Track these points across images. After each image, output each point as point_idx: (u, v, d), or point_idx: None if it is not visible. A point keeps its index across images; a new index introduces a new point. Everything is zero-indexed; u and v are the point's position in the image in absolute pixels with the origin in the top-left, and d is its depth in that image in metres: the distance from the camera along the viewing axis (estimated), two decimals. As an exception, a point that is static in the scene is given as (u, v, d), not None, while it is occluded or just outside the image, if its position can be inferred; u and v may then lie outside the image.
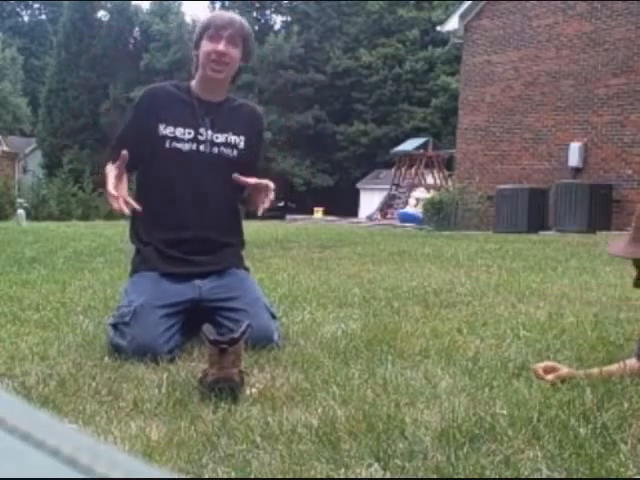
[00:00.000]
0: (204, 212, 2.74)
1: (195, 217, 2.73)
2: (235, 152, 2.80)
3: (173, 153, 2.73)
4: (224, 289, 2.68)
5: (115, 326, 2.52)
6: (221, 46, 2.68)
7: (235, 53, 2.72)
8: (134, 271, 2.76)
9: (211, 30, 2.71)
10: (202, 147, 2.75)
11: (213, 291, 2.67)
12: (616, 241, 2.32)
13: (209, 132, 2.76)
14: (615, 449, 1.55)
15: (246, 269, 2.90)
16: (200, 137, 2.75)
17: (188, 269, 2.69)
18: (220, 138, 2.78)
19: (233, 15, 2.91)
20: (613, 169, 12.19)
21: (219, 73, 2.73)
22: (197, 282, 2.68)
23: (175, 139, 2.74)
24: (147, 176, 2.81)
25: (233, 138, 2.80)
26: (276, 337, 2.60)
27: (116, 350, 2.45)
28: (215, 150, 2.77)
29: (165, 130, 2.73)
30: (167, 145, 2.73)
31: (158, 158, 2.74)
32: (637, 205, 1.93)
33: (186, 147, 2.74)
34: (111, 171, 2.49)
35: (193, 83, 2.82)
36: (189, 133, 2.74)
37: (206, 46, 2.71)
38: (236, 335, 2.02)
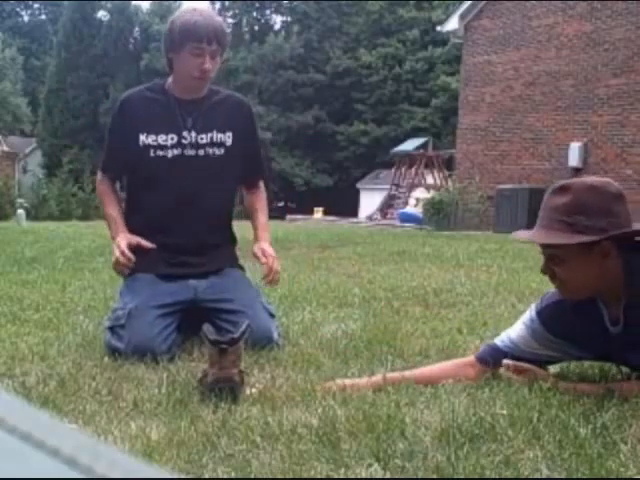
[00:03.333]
0: (194, 217, 2.70)
1: (185, 222, 2.70)
2: (222, 150, 2.73)
3: (159, 161, 2.68)
4: (220, 289, 2.67)
5: (112, 329, 2.51)
6: (207, 64, 2.60)
7: (216, 62, 2.67)
8: (128, 274, 2.75)
9: (194, 43, 2.58)
10: (187, 151, 2.69)
11: (209, 291, 2.66)
12: (524, 230, 2.38)
13: (192, 134, 2.70)
14: (615, 449, 1.55)
15: (241, 268, 2.88)
16: (184, 141, 2.69)
17: (182, 270, 2.68)
18: (205, 139, 2.71)
19: (213, 23, 2.65)
20: (613, 169, 12.17)
21: (202, 86, 2.70)
22: (192, 282, 2.67)
23: (159, 147, 2.68)
24: (135, 184, 2.78)
25: (219, 136, 2.72)
26: (276, 336, 2.59)
27: (114, 353, 2.45)
28: (201, 152, 2.71)
29: (147, 139, 2.68)
30: (152, 154, 2.68)
31: (144, 167, 2.70)
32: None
33: (171, 153, 2.69)
34: (122, 240, 2.65)
35: (170, 82, 2.74)
36: (172, 139, 2.68)
37: (189, 60, 2.60)
38: (236, 335, 2.01)
